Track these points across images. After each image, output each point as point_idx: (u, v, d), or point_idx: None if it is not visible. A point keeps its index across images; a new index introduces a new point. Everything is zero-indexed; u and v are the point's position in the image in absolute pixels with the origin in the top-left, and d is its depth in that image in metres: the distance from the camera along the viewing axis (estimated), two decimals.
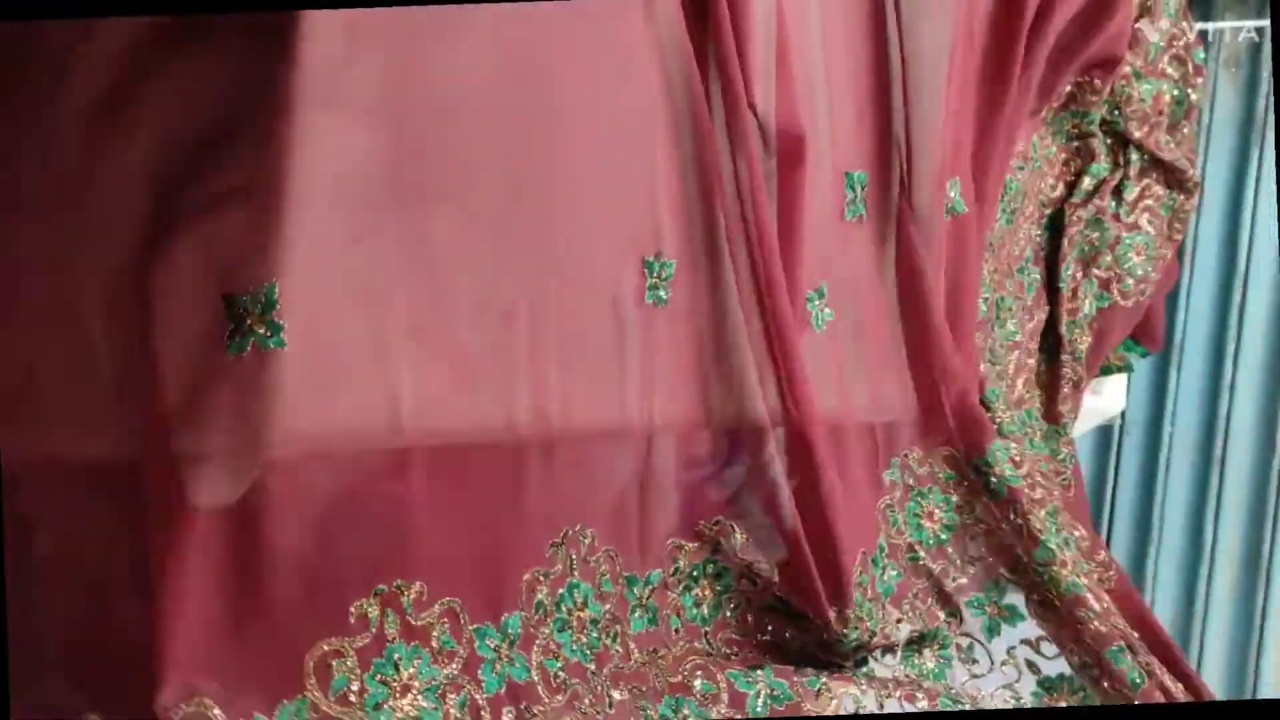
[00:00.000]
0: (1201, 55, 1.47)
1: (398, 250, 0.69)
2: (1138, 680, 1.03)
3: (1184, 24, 1.45)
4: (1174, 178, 1.43)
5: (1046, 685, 1.06)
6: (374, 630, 0.68)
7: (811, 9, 0.91)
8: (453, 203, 0.72)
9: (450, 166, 0.71)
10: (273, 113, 0.64)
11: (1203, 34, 1.67)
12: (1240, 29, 1.76)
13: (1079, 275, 1.39)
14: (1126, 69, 1.37)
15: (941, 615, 1.05)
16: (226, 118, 0.65)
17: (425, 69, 0.70)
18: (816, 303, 0.93)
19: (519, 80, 0.74)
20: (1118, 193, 1.41)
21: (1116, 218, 1.41)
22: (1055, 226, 1.38)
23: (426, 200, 0.71)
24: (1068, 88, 1.32)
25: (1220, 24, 1.75)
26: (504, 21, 0.73)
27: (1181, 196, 1.45)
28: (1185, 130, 1.47)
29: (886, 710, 0.90)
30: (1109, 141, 1.40)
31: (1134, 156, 1.41)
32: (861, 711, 0.89)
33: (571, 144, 0.77)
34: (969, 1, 1.10)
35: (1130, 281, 1.42)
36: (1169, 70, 1.43)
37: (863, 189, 0.99)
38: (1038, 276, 1.36)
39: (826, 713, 0.88)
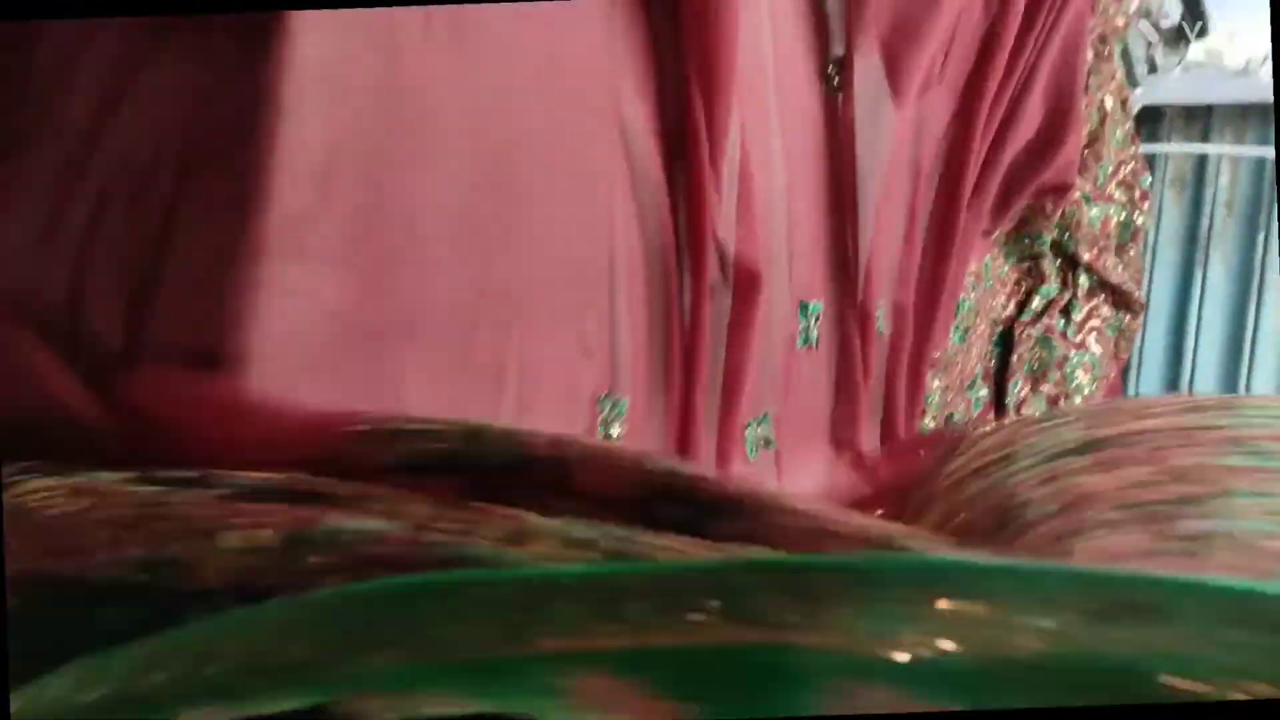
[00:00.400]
0: (1148, 180, 1.53)
1: (358, 392, 0.70)
2: None
3: (1131, 149, 1.51)
4: (1120, 299, 1.48)
5: None
6: None
7: (775, 148, 0.94)
8: (415, 340, 0.73)
9: (414, 307, 0.73)
10: (242, 263, 0.65)
11: (1149, 156, 1.74)
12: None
13: (1025, 391, 1.43)
14: (1076, 194, 1.42)
15: None
16: (196, 268, 0.66)
17: (393, 214, 0.71)
18: (755, 429, 0.95)
19: (487, 216, 0.76)
20: (1066, 312, 1.45)
21: (1064, 336, 1.45)
22: (1005, 344, 1.42)
23: (390, 339, 0.72)
24: (1020, 211, 1.37)
25: (1167, 146, 1.83)
26: (475, 156, 0.75)
27: (1128, 317, 1.50)
28: (1132, 252, 1.52)
29: None
30: (1059, 263, 1.45)
31: (1082, 278, 1.46)
32: None
33: (535, 284, 0.79)
34: (923, 135, 1.14)
35: (1077, 399, 1.46)
36: (1117, 195, 1.48)
37: (816, 319, 1.01)
38: (985, 394, 1.39)
39: None
